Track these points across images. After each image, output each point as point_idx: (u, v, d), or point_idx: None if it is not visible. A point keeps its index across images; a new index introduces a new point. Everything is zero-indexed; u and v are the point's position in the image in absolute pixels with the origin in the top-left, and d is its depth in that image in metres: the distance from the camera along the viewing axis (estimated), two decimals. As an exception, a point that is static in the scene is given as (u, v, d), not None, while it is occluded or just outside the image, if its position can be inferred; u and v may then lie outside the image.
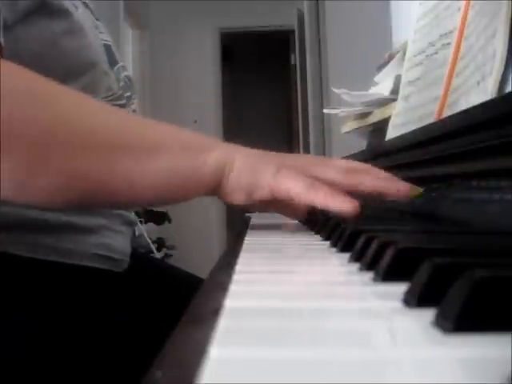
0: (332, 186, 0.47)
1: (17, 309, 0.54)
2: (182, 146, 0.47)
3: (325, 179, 0.48)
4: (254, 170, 0.47)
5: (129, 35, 3.80)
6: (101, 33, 0.68)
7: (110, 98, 0.64)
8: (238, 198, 0.48)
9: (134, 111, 0.72)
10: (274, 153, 0.52)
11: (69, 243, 0.58)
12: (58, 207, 0.51)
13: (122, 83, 0.68)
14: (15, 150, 0.40)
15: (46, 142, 0.42)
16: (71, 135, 0.43)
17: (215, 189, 0.47)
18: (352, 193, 0.49)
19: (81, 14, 0.61)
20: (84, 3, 0.67)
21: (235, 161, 0.47)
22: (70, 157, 0.42)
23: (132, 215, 0.71)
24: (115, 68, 0.68)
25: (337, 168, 0.51)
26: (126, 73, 0.71)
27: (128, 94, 0.69)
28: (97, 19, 0.69)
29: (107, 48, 0.67)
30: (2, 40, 0.49)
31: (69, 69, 0.57)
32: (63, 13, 0.57)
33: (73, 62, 0.58)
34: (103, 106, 0.49)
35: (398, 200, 0.51)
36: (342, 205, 0.45)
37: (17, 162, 0.41)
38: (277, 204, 0.51)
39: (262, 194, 0.47)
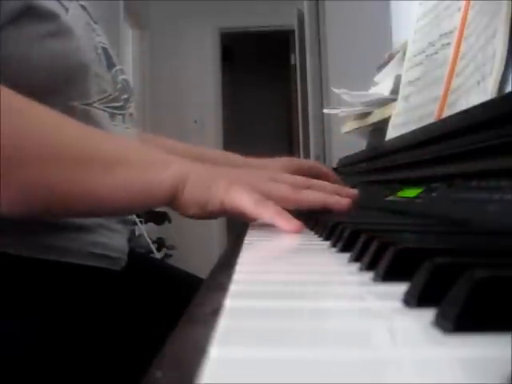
0: (280, 201, 0.52)
1: (15, 308, 0.54)
2: (141, 161, 0.51)
3: (274, 195, 0.52)
4: (207, 186, 0.51)
5: (129, 35, 3.80)
6: (98, 35, 0.67)
7: (104, 100, 0.63)
8: (192, 211, 0.52)
9: (130, 114, 0.71)
10: (228, 169, 0.57)
11: (65, 242, 0.58)
12: (20, 217, 0.53)
13: (119, 85, 0.68)
14: None
15: (8, 155, 0.43)
16: (34, 148, 0.45)
17: (171, 202, 0.51)
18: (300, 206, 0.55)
19: (71, 16, 0.61)
20: (81, 5, 0.66)
21: (189, 176, 0.50)
22: (38, 169, 0.45)
23: None
24: (113, 71, 0.68)
25: (285, 184, 0.55)
26: (123, 76, 0.71)
27: (125, 96, 0.69)
28: (95, 22, 0.69)
29: (105, 51, 0.67)
30: None
31: (57, 71, 0.57)
32: (50, 15, 0.56)
33: (60, 63, 0.57)
34: (65, 119, 0.51)
35: (340, 211, 0.57)
36: (285, 223, 0.49)
37: None
38: (230, 215, 0.54)
39: (214, 208, 0.51)
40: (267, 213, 0.49)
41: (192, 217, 0.53)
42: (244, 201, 0.49)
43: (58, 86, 0.56)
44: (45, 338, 0.54)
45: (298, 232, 0.49)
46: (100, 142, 0.50)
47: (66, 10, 0.60)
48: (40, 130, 0.47)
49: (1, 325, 0.52)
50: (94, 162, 0.48)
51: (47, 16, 0.56)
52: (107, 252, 0.62)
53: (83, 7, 0.67)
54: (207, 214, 0.52)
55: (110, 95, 0.65)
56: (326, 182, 0.60)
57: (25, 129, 0.45)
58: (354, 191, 0.62)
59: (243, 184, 0.51)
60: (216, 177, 0.52)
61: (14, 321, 0.53)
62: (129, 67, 3.70)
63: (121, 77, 0.70)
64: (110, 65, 0.67)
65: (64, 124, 0.49)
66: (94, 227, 0.61)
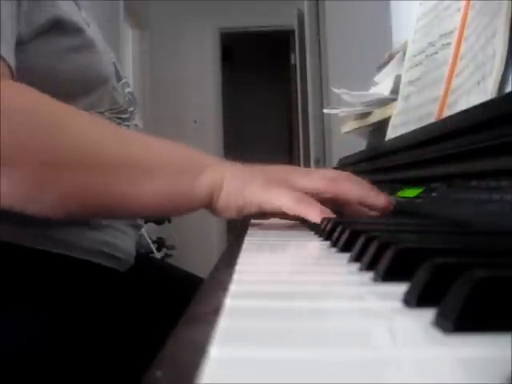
0: (319, 195, 0.52)
1: (20, 299, 0.54)
2: (177, 168, 0.51)
3: (311, 189, 0.52)
4: (242, 191, 0.51)
5: (129, 35, 3.80)
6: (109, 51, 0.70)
7: (115, 111, 0.65)
8: (229, 215, 0.53)
9: (135, 125, 0.73)
10: (260, 167, 0.56)
11: (74, 237, 0.59)
12: (59, 219, 0.54)
13: (126, 98, 0.70)
14: (24, 165, 0.44)
15: (54, 160, 0.46)
16: (77, 155, 0.47)
17: (207, 207, 0.52)
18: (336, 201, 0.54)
19: (92, 31, 0.63)
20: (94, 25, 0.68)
21: (224, 182, 0.51)
22: (74, 176, 0.47)
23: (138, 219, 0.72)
24: (120, 84, 0.70)
25: (321, 178, 0.55)
26: (128, 89, 0.73)
27: (131, 108, 0.71)
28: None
29: (114, 65, 0.70)
30: (13, 62, 0.50)
31: (80, 82, 0.59)
32: (77, 29, 0.59)
33: (85, 76, 0.60)
34: (106, 125, 0.53)
35: (377, 212, 0.56)
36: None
37: (25, 177, 0.44)
38: (269, 214, 0.54)
39: (251, 210, 0.52)
40: (312, 211, 0.49)
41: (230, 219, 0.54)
42: (284, 200, 0.49)
43: (78, 96, 0.58)
44: (46, 331, 0.54)
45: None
46: (133, 148, 0.51)
47: (88, 24, 0.63)
48: (77, 140, 0.48)
49: (4, 314, 0.53)
50: (127, 171, 0.49)
51: (74, 30, 0.58)
52: (114, 252, 0.63)
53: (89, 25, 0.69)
54: (244, 215, 0.53)
55: (121, 106, 0.66)
56: (364, 181, 0.58)
57: (66, 140, 0.47)
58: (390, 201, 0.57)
59: (279, 183, 0.51)
60: (251, 179, 0.52)
61: (17, 311, 0.54)
62: (129, 67, 3.69)
63: (127, 90, 0.72)
64: (118, 78, 0.69)
65: (104, 132, 0.50)
66: (103, 226, 0.62)
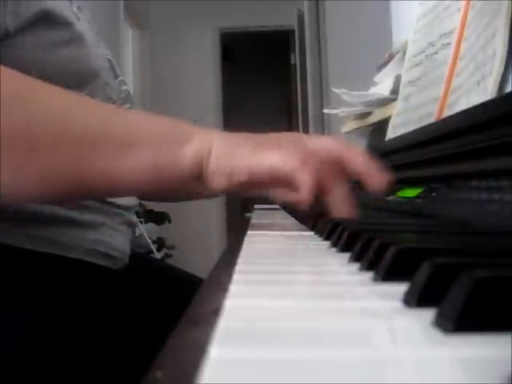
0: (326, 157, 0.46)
1: (13, 300, 0.54)
2: (160, 139, 0.47)
3: (317, 149, 0.47)
4: (231, 154, 0.47)
5: (129, 35, 3.80)
6: (103, 47, 0.70)
7: None
8: (219, 183, 0.47)
9: None
10: (251, 134, 0.51)
11: (67, 237, 0.59)
12: (47, 202, 0.52)
13: (122, 95, 0.70)
14: None
15: (19, 144, 0.43)
16: (51, 134, 0.44)
17: (197, 178, 0.47)
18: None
19: (83, 25, 0.63)
20: (87, 21, 0.68)
21: (212, 148, 0.47)
22: (51, 154, 0.44)
23: (133, 217, 0.72)
24: (117, 81, 0.70)
25: (329, 140, 0.50)
26: (125, 87, 0.73)
27: (128, 105, 0.71)
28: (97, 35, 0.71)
29: (109, 62, 0.70)
30: None
31: (69, 76, 0.58)
32: (64, 23, 0.58)
33: (74, 70, 0.59)
34: (83, 100, 0.49)
35: (374, 191, 0.49)
36: (306, 196, 0.44)
37: (1, 162, 0.42)
38: (260, 184, 0.49)
39: (241, 177, 0.46)
40: (304, 173, 0.43)
41: (222, 191, 0.49)
42: (274, 158, 0.44)
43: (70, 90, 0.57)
44: (41, 331, 0.54)
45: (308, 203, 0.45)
46: (113, 121, 0.48)
47: (78, 18, 0.62)
48: (49, 116, 0.45)
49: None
50: (107, 144, 0.45)
51: (62, 24, 0.58)
52: (108, 251, 0.63)
53: (88, 22, 0.69)
54: (235, 186, 0.47)
55: (115, 102, 0.66)
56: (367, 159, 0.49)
57: (33, 116, 0.44)
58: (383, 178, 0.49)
59: (273, 144, 0.47)
60: (238, 144, 0.47)
61: (11, 312, 0.53)
62: (129, 67, 3.70)
63: (123, 87, 0.72)
64: (115, 75, 0.69)
65: (74, 106, 0.47)
66: (97, 225, 0.62)
